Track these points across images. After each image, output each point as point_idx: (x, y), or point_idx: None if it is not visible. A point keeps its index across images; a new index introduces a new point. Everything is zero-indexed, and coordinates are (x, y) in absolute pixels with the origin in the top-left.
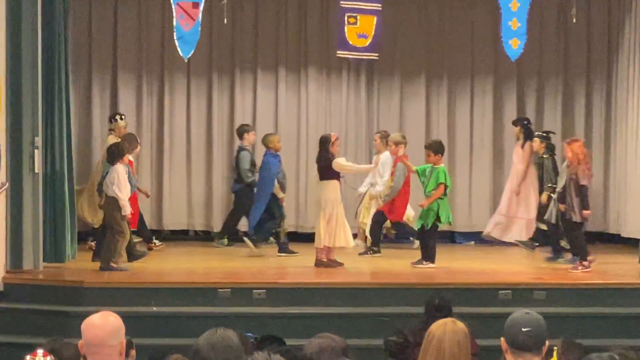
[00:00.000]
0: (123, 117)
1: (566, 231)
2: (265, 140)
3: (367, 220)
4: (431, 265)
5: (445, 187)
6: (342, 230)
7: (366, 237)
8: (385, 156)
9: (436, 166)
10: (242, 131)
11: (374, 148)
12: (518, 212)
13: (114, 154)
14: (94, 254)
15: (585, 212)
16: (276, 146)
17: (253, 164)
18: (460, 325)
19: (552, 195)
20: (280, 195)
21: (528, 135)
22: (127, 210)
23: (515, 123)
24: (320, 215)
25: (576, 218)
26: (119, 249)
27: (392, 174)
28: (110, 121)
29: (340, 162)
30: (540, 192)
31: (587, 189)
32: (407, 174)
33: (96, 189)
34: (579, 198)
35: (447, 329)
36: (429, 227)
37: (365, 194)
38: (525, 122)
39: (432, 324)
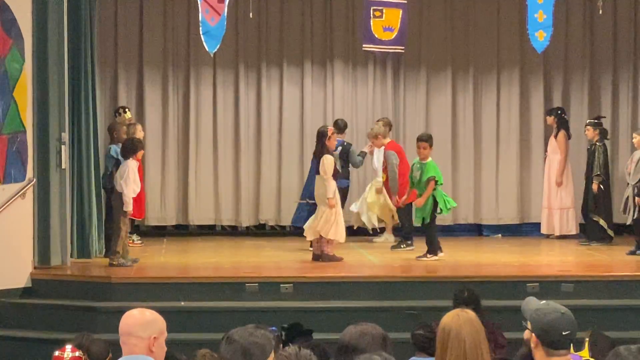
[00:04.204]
0: (127, 109)
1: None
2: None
3: (374, 213)
4: (435, 257)
5: (436, 181)
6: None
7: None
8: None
9: (424, 161)
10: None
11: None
12: (558, 203)
13: (128, 149)
14: (106, 250)
15: None
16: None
17: None
18: (471, 314)
19: (601, 186)
20: None
21: (562, 125)
22: (129, 207)
23: (549, 113)
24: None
25: None
26: (119, 245)
27: (385, 166)
28: (115, 115)
29: (327, 161)
30: (587, 181)
31: None
32: (398, 161)
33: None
34: None
35: (461, 320)
36: (429, 220)
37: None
38: (559, 112)
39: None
